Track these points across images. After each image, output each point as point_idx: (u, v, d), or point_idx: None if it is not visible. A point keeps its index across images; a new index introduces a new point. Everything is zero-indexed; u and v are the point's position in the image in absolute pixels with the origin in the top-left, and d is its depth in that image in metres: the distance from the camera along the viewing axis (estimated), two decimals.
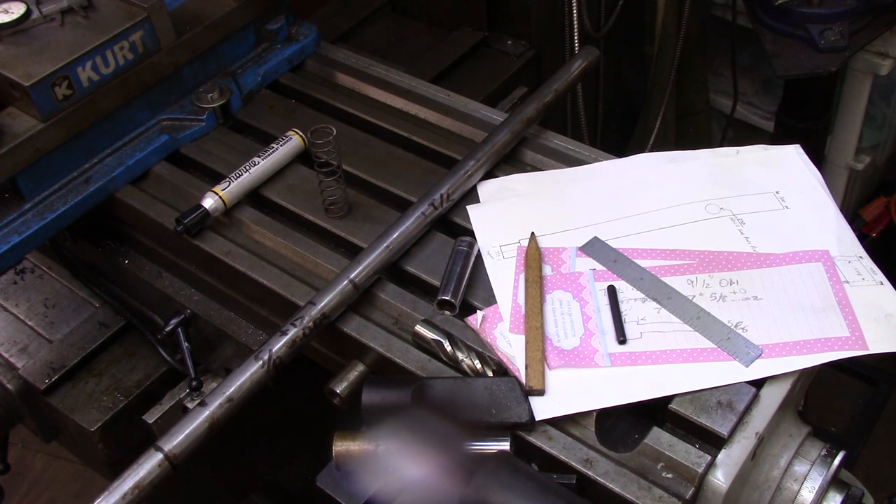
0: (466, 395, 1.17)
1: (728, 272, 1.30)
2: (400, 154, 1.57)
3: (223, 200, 1.45)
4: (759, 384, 1.16)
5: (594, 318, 1.25)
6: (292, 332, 1.24)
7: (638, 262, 1.32)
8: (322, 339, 1.32)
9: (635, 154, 1.51)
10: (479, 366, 1.21)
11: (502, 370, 1.22)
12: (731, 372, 1.17)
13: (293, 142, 1.54)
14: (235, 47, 1.69)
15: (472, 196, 1.47)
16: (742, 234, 1.35)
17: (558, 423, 1.16)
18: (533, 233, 1.38)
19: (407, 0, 2.47)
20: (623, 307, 1.26)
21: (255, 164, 1.49)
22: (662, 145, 2.83)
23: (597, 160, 1.51)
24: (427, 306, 1.31)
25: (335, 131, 1.36)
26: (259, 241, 1.45)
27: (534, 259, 1.33)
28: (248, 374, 1.20)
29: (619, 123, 3.03)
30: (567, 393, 1.17)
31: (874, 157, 2.95)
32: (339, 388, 1.27)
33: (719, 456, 1.10)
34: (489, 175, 1.50)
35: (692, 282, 1.29)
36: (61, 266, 1.69)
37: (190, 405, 1.41)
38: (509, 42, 2.31)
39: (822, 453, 1.18)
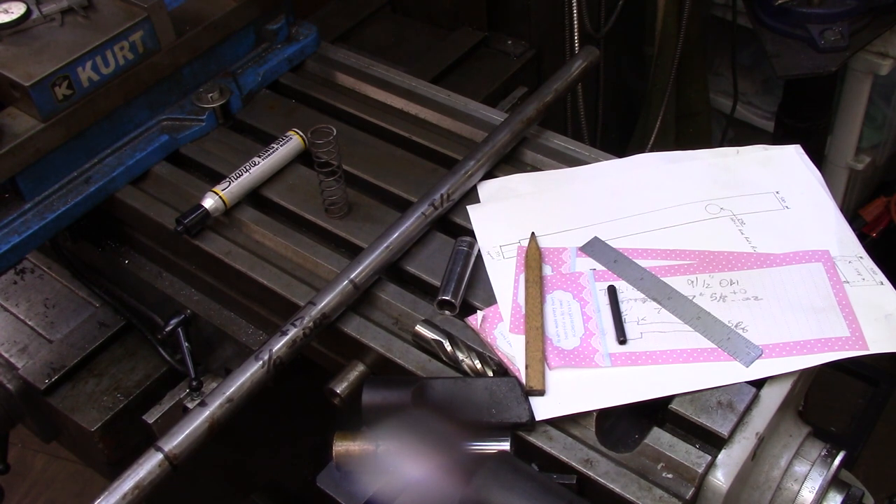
0: (466, 395, 1.17)
1: (728, 272, 1.30)
2: (400, 154, 1.57)
3: (223, 200, 1.45)
4: (759, 384, 1.16)
5: (594, 318, 1.25)
6: (292, 333, 1.24)
7: (638, 262, 1.32)
8: (322, 339, 1.32)
9: (635, 154, 1.51)
10: (479, 366, 1.21)
11: (502, 370, 1.22)
12: (731, 372, 1.17)
13: (293, 142, 1.54)
14: (235, 47, 1.69)
15: (472, 196, 1.47)
16: (742, 234, 1.35)
17: (558, 423, 1.16)
18: (533, 233, 1.37)
19: (407, 0, 2.47)
20: (623, 307, 1.26)
21: (255, 164, 1.49)
22: (662, 145, 2.83)
23: (597, 160, 1.51)
24: (427, 306, 1.31)
25: (335, 131, 1.36)
26: (259, 241, 1.45)
27: (534, 259, 1.33)
28: (248, 374, 1.20)
29: (619, 123, 3.03)
30: (567, 393, 1.17)
31: (874, 157, 2.94)
32: (339, 388, 1.27)
33: (719, 456, 1.10)
34: (489, 175, 1.50)
35: (692, 282, 1.29)
36: (61, 266, 1.69)
37: (190, 405, 1.41)
38: (509, 42, 2.31)
39: (823, 453, 1.18)
